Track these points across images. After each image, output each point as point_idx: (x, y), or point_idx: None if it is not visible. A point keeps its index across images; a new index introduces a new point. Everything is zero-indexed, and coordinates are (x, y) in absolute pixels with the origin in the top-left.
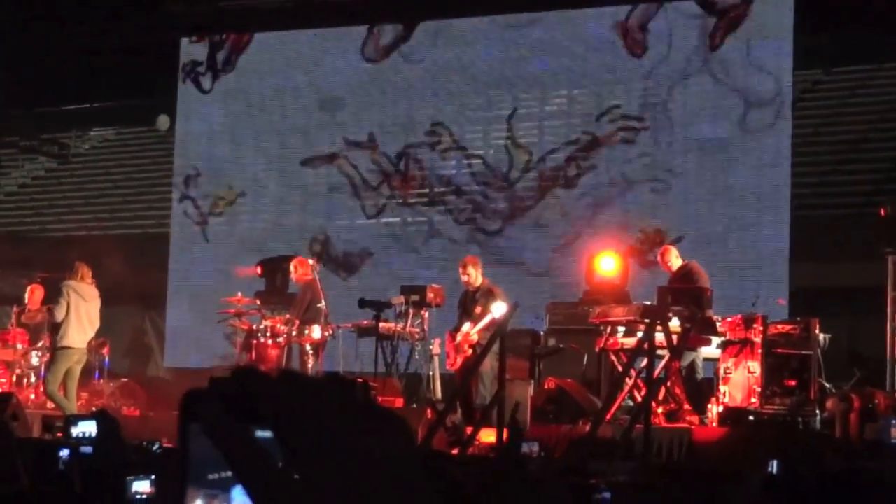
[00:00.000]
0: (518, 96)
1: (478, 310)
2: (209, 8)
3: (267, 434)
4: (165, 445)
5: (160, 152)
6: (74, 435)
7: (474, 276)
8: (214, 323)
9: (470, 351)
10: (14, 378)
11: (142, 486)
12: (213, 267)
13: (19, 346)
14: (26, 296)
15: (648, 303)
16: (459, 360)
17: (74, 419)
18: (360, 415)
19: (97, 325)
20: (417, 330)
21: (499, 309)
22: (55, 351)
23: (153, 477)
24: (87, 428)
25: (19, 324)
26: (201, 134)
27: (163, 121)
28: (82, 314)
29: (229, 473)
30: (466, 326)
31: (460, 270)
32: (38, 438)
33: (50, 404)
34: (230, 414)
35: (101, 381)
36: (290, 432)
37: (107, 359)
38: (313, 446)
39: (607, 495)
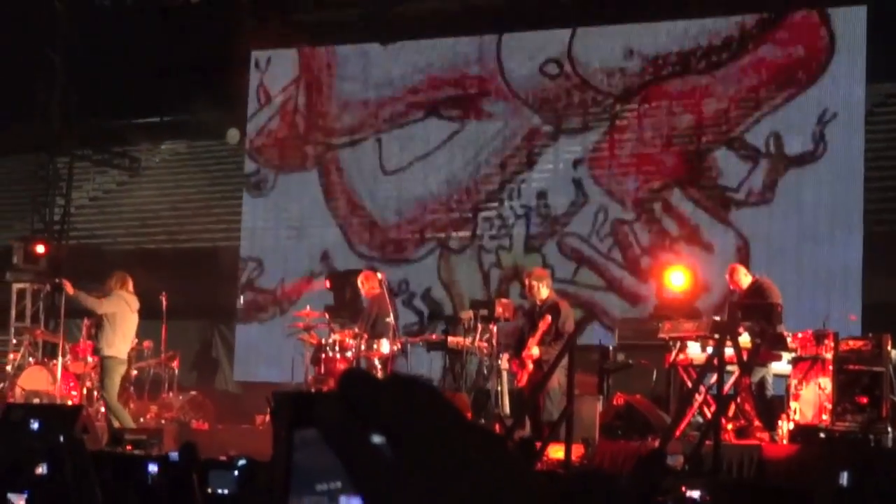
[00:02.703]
0: (590, 111)
1: (541, 324)
2: (281, 22)
3: (379, 440)
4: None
5: (231, 165)
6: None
7: (537, 288)
8: (284, 337)
9: (531, 366)
10: (84, 391)
11: None
12: (283, 280)
13: (90, 359)
14: None
15: (718, 318)
16: (525, 377)
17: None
18: (473, 430)
19: (134, 337)
20: (486, 345)
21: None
22: (104, 361)
23: None
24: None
25: (90, 336)
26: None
27: (233, 134)
28: (128, 325)
29: (338, 484)
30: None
31: (525, 282)
32: (123, 452)
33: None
34: (348, 419)
35: (171, 394)
36: (406, 439)
37: (176, 372)
38: (429, 455)
39: None
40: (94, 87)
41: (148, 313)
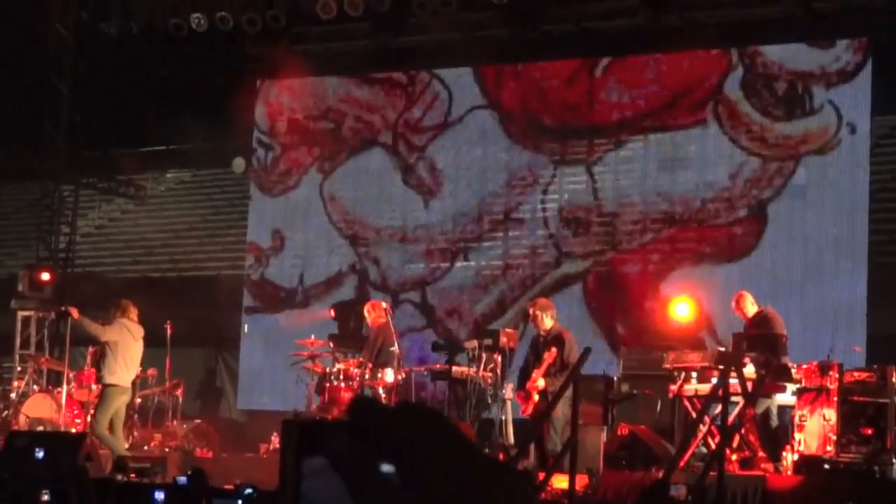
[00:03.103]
0: (594, 142)
1: (546, 355)
2: (286, 51)
3: (388, 468)
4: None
5: (236, 194)
6: None
7: (540, 318)
8: (287, 365)
9: (537, 397)
10: (88, 419)
11: None
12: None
13: (94, 387)
14: None
15: (723, 349)
16: (530, 408)
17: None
18: (481, 459)
19: (139, 365)
20: (490, 374)
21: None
22: (105, 389)
23: None
24: None
25: (93, 364)
26: None
27: (238, 163)
28: (131, 353)
29: None
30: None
31: (529, 312)
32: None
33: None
34: (358, 446)
35: (175, 422)
36: (415, 467)
37: (180, 400)
38: (437, 482)
39: None
40: (100, 116)
41: (152, 341)
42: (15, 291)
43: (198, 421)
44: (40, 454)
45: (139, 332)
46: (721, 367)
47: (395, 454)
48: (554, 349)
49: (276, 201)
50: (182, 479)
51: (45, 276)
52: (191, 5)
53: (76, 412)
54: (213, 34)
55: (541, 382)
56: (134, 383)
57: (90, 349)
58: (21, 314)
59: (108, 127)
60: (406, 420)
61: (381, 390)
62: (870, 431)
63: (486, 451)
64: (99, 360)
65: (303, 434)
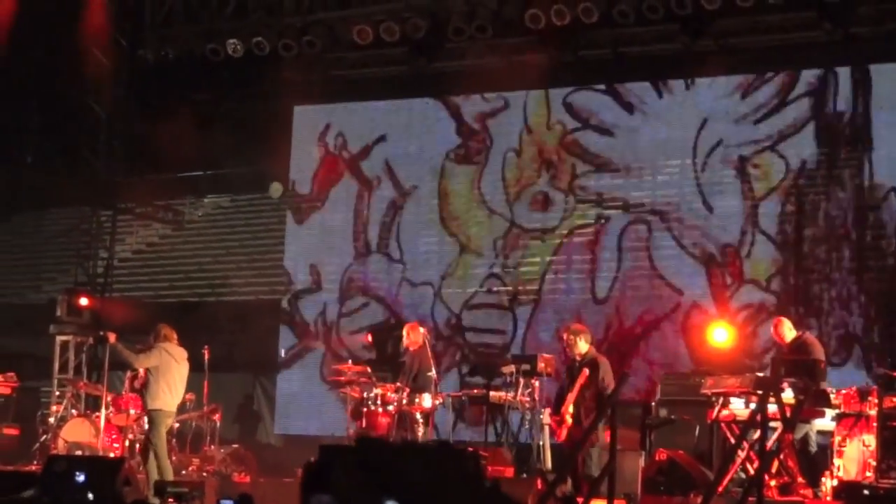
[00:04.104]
0: (630, 165)
1: (579, 379)
2: (323, 76)
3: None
4: None
5: (273, 219)
6: None
7: (574, 343)
8: (325, 390)
9: (570, 422)
10: (127, 443)
11: None
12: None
13: (132, 412)
14: None
15: (762, 374)
16: (563, 433)
17: None
18: (485, 492)
19: (184, 388)
20: (528, 399)
21: None
22: (149, 414)
23: None
24: None
25: (132, 389)
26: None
27: (276, 188)
28: (173, 377)
29: None
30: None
31: (563, 337)
32: None
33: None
34: (361, 483)
35: (213, 447)
36: (420, 503)
37: (218, 425)
38: None
39: None
40: (138, 141)
41: (190, 366)
42: (54, 316)
43: (235, 445)
44: (81, 478)
45: (182, 354)
46: (760, 392)
47: (399, 490)
48: (586, 371)
49: (310, 230)
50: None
51: (84, 301)
52: (227, 31)
53: (114, 436)
54: (249, 60)
55: (573, 408)
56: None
57: (128, 374)
58: (59, 339)
59: (145, 152)
60: (410, 457)
61: (418, 415)
62: None
63: (524, 476)
64: (143, 387)
65: (309, 471)
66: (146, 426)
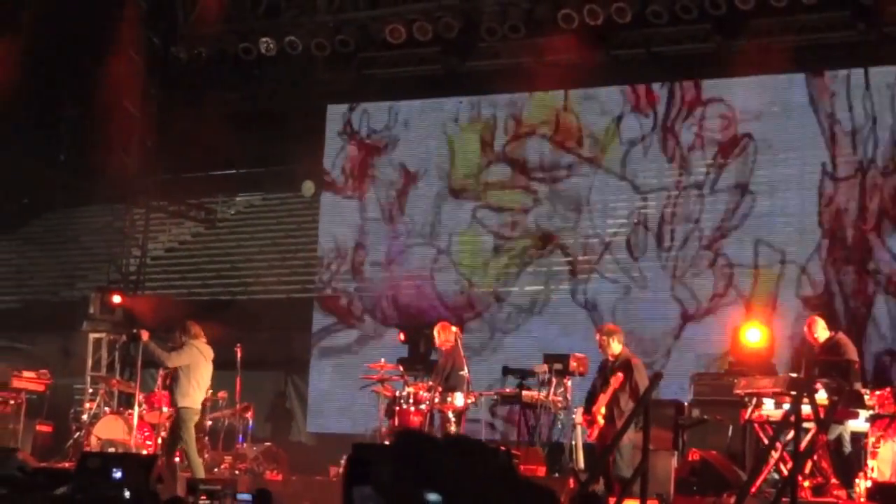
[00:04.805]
0: (663, 169)
1: (612, 380)
2: (356, 75)
3: (434, 497)
4: None
5: (305, 218)
6: None
7: (607, 343)
8: (357, 389)
9: (602, 422)
10: (159, 440)
11: None
12: (357, 331)
13: (164, 409)
14: None
15: (795, 374)
16: (595, 432)
17: None
18: (522, 486)
19: (208, 386)
20: (560, 399)
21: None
22: (180, 412)
23: None
24: None
25: (164, 386)
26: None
27: (308, 187)
28: (202, 375)
29: None
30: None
31: (597, 338)
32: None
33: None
34: (403, 476)
35: (245, 444)
36: (460, 496)
37: (250, 423)
38: None
39: None
40: (170, 139)
41: (222, 364)
42: (86, 314)
43: (268, 444)
44: (117, 475)
45: (210, 353)
46: (793, 393)
47: (440, 484)
48: (620, 374)
49: (345, 217)
50: (244, 496)
51: (117, 299)
52: (260, 30)
53: (147, 434)
54: (282, 59)
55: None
56: (204, 405)
57: (160, 372)
58: (92, 336)
59: (178, 150)
60: (451, 451)
61: (450, 414)
62: None
63: (557, 475)
64: (171, 383)
65: (351, 464)
66: (174, 423)
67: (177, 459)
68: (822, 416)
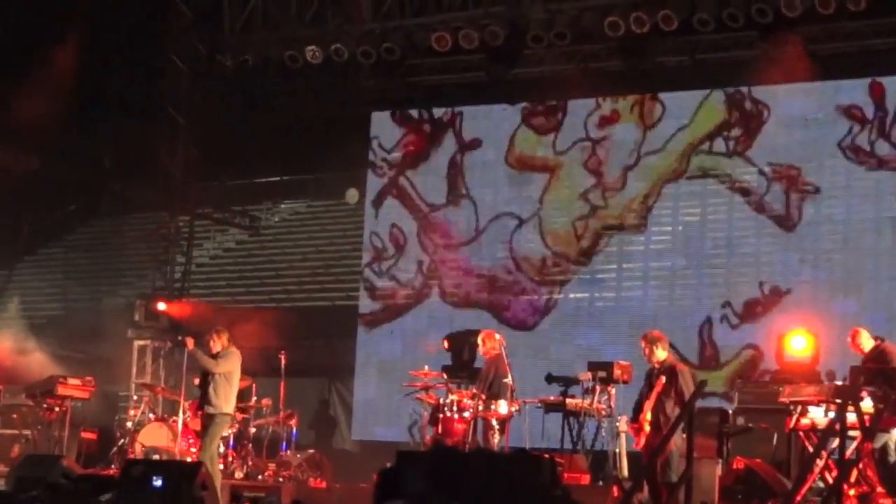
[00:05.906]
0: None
1: (656, 387)
2: (401, 83)
3: None
4: None
5: (350, 225)
6: None
7: (650, 351)
8: (401, 396)
9: (648, 429)
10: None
11: None
12: (402, 340)
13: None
14: None
15: (840, 383)
16: (642, 440)
17: None
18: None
19: None
20: (604, 406)
21: None
22: (218, 417)
23: None
24: None
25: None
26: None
27: (352, 194)
28: (235, 381)
29: None
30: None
31: (641, 345)
32: None
33: (239, 473)
34: (433, 490)
35: (289, 452)
36: None
37: (294, 430)
38: None
39: None
40: (215, 147)
41: (267, 371)
42: (132, 321)
43: (311, 451)
44: (158, 483)
45: (240, 360)
46: (838, 401)
47: (470, 498)
48: (662, 379)
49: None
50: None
51: (161, 306)
52: (306, 38)
53: (191, 441)
54: (327, 66)
55: (650, 415)
56: (249, 412)
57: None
58: (137, 343)
59: (222, 158)
60: (482, 464)
61: (494, 422)
62: None
63: (601, 484)
64: (210, 389)
65: (382, 478)
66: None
67: (220, 467)
68: (867, 424)
